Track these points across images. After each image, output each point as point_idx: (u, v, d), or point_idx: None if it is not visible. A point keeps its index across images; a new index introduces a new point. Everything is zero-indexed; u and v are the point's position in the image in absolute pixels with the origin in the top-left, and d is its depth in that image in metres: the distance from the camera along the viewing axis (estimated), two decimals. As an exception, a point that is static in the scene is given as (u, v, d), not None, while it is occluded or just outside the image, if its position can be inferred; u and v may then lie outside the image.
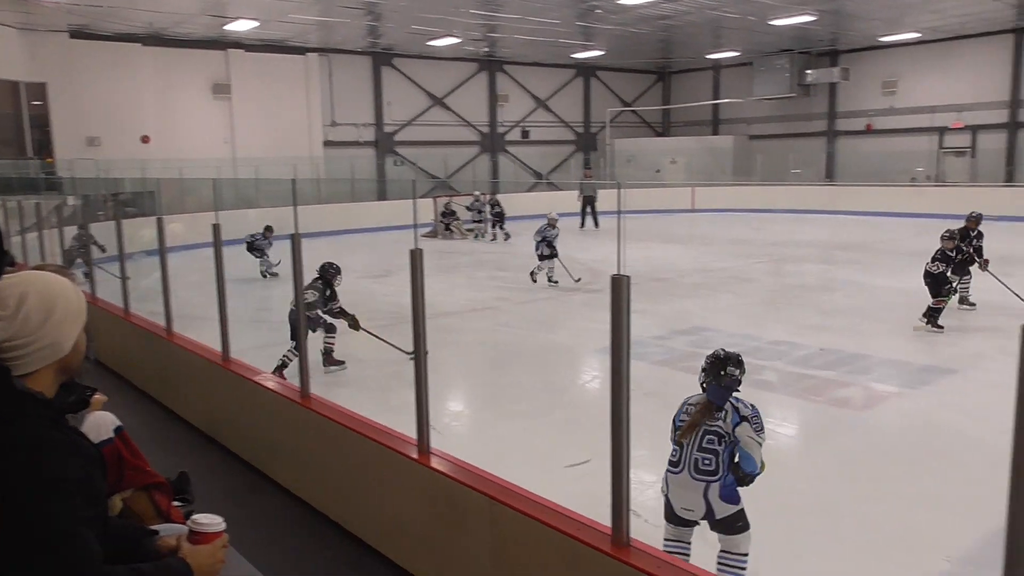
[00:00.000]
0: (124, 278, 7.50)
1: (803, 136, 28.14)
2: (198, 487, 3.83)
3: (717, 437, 3.56)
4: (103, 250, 10.74)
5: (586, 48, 25.36)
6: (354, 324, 7.80)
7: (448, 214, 20.74)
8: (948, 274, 9.18)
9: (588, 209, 22.10)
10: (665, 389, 7.26)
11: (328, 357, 7.78)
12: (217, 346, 5.84)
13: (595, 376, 7.82)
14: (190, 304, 8.12)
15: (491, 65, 27.84)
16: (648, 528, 4.36)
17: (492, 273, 14.90)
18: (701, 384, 3.71)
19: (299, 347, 5.07)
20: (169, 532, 2.01)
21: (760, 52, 26.41)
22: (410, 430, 3.85)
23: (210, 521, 1.90)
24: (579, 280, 12.28)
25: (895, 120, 25.76)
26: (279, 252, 13.36)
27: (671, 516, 3.68)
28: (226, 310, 5.73)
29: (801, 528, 4.18)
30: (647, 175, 29.14)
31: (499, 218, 19.82)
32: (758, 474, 3.60)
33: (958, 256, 9.38)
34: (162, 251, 6.54)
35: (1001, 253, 14.90)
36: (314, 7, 18.47)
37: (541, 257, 12.30)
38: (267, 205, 18.75)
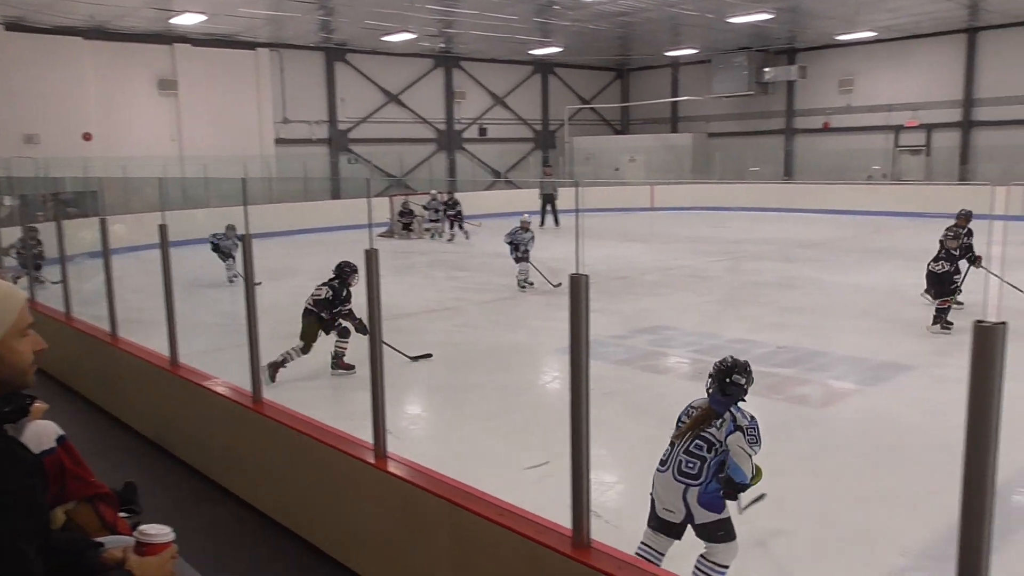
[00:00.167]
0: (57, 281, 7.34)
1: (761, 134, 28.60)
2: (146, 497, 3.77)
3: (707, 444, 3.55)
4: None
5: (544, 44, 25.44)
6: (361, 328, 7.61)
7: (406, 213, 20.65)
8: (953, 273, 9.24)
9: (548, 207, 22.21)
10: (625, 389, 7.33)
11: (339, 361, 7.69)
12: (165, 351, 5.75)
13: (555, 376, 7.85)
14: (136, 308, 7.98)
15: (447, 61, 27.78)
16: (609, 529, 4.40)
17: (450, 273, 14.88)
18: (707, 389, 3.69)
19: (251, 350, 5.00)
20: (115, 544, 1.97)
21: (718, 50, 26.77)
22: (367, 434, 3.83)
23: (158, 532, 1.87)
24: (559, 285, 11.89)
25: (852, 118, 26.33)
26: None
27: (653, 518, 3.66)
28: (174, 313, 5.65)
29: (758, 525, 4.25)
30: (606, 173, 29.35)
31: (457, 217, 19.78)
32: (750, 485, 3.58)
33: (964, 255, 9.39)
34: (106, 253, 6.42)
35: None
36: (264, 0, 18.24)
37: (517, 260, 12.09)
38: (217, 205, 18.46)
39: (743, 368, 3.65)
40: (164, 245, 5.53)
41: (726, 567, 3.57)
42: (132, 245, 10.64)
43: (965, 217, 10.04)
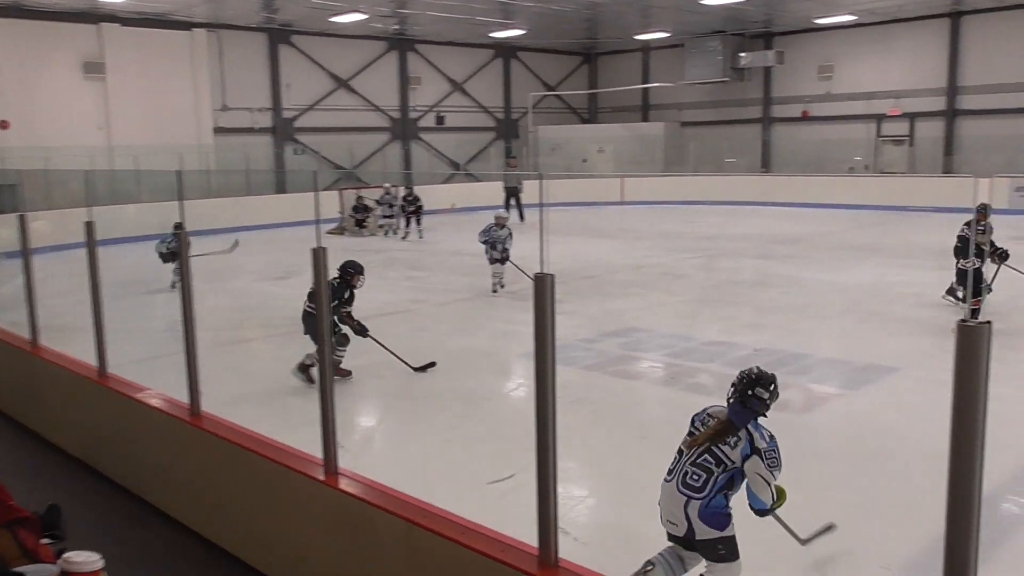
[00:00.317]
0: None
1: (737, 123, 28.95)
2: (71, 521, 3.69)
3: (716, 460, 3.56)
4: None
5: (506, 27, 25.46)
6: (361, 331, 7.68)
7: (361, 209, 20.52)
8: (983, 270, 9.36)
9: (512, 201, 22.25)
10: (595, 396, 7.37)
11: (336, 369, 7.64)
12: (92, 360, 5.66)
13: (519, 384, 7.86)
14: (60, 313, 7.83)
15: (401, 44, 27.67)
16: (578, 547, 4.42)
17: (406, 273, 14.82)
18: (728, 398, 3.70)
19: (189, 358, 4.94)
20: (37, 574, 1.93)
21: (691, 33, 27.03)
22: (315, 449, 3.80)
23: (85, 559, 1.84)
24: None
25: (832, 107, 26.77)
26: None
27: (665, 525, 3.70)
28: (102, 318, 5.56)
29: (738, 537, 4.30)
30: (573, 165, 29.49)
31: (417, 213, 19.54)
32: (772, 510, 3.61)
33: (994, 250, 9.52)
34: (25, 252, 6.30)
35: (941, 246, 15.70)
36: (200, -23, 18.04)
37: (492, 261, 11.95)
38: (149, 200, 18.22)
39: (768, 381, 3.66)
40: (91, 244, 5.45)
41: None
42: (55, 244, 10.45)
43: (983, 212, 10.24)
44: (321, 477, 3.73)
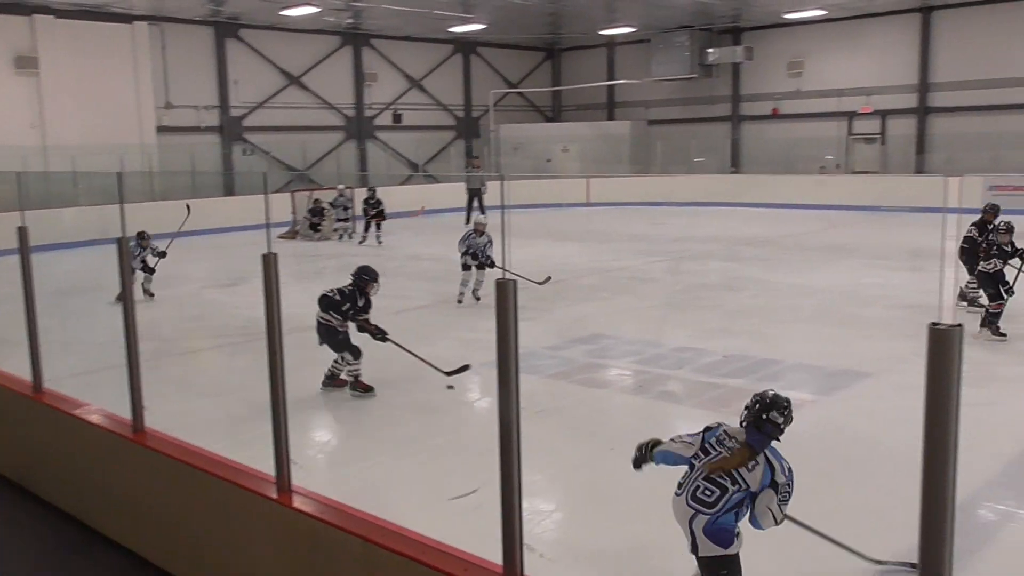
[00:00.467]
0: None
1: (706, 121, 29.25)
2: (5, 549, 3.62)
3: (731, 479, 3.60)
4: None
5: (465, 21, 25.49)
6: (381, 336, 7.64)
7: (318, 212, 20.36)
8: (1004, 272, 9.30)
9: (475, 203, 22.25)
10: (561, 405, 7.39)
11: (357, 382, 7.63)
12: (26, 375, 5.56)
13: (482, 394, 7.85)
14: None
15: (356, 39, 27.57)
16: (544, 564, 4.42)
17: (362, 279, 14.73)
18: (741, 421, 3.74)
19: (131, 371, 4.87)
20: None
21: (658, 28, 27.27)
22: (267, 466, 3.77)
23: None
24: (547, 280, 12.32)
25: (802, 104, 27.17)
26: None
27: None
28: (37, 330, 5.46)
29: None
30: (537, 165, 29.56)
31: (378, 217, 19.23)
32: (776, 524, 3.71)
33: (1017, 251, 9.42)
34: (-48, 260, 6.17)
35: (913, 246, 16.02)
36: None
37: (465, 267, 11.67)
38: (88, 203, 17.93)
39: (782, 405, 3.71)
40: (24, 250, 5.37)
41: None
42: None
43: (993, 212, 10.35)
44: (273, 495, 3.70)
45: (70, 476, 5.29)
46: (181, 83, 24.06)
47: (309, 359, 7.80)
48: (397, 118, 29.09)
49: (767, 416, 3.66)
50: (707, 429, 3.80)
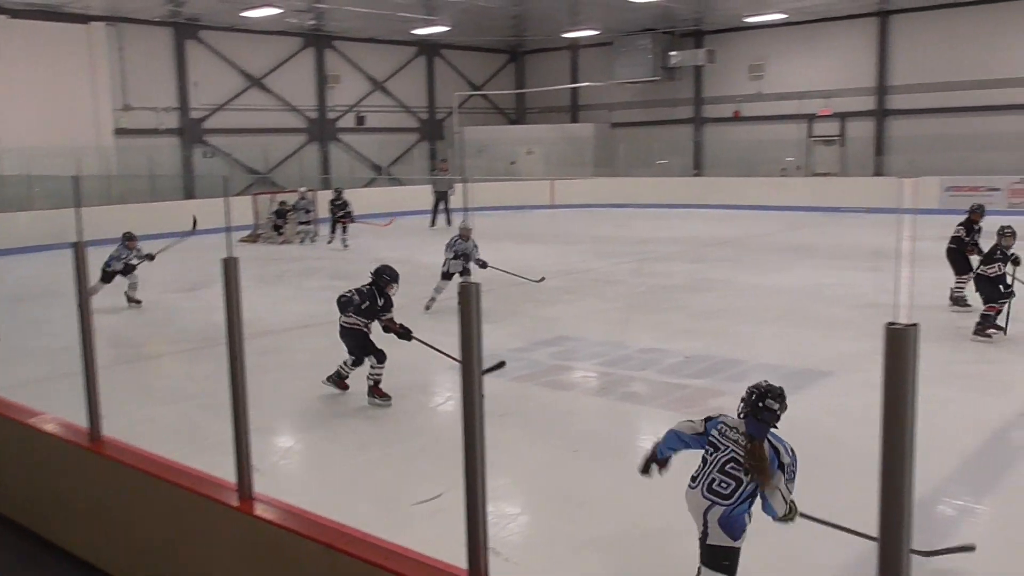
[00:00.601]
0: None
1: (668, 123, 29.48)
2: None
3: (745, 470, 3.71)
4: None
5: (429, 23, 25.44)
6: (405, 335, 7.61)
7: (282, 214, 20.21)
8: (1006, 275, 9.25)
9: (441, 206, 22.24)
10: (526, 408, 7.41)
11: (375, 389, 7.51)
12: (-21, 382, 5.45)
13: (446, 398, 7.85)
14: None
15: (319, 41, 27.40)
16: (510, 568, 4.42)
17: (326, 283, 14.62)
18: (739, 413, 3.85)
19: (87, 378, 4.79)
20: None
21: (621, 31, 27.44)
22: (228, 473, 3.73)
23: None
24: (542, 279, 12.63)
25: (763, 107, 27.48)
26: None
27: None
28: (-10, 337, 5.36)
29: (678, 551, 4.36)
30: (501, 167, 29.58)
31: (344, 219, 18.93)
32: (789, 519, 3.80)
33: (1009, 256, 9.33)
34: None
35: (873, 247, 16.25)
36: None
37: (446, 276, 11.36)
38: (43, 207, 17.64)
39: (777, 393, 3.84)
40: (-24, 256, 5.25)
41: None
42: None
43: (979, 212, 10.38)
44: (234, 503, 3.66)
45: (25, 487, 5.19)
46: (140, 85, 23.74)
47: (273, 362, 7.74)
48: (360, 120, 28.95)
49: (763, 404, 3.79)
50: (708, 419, 3.95)
